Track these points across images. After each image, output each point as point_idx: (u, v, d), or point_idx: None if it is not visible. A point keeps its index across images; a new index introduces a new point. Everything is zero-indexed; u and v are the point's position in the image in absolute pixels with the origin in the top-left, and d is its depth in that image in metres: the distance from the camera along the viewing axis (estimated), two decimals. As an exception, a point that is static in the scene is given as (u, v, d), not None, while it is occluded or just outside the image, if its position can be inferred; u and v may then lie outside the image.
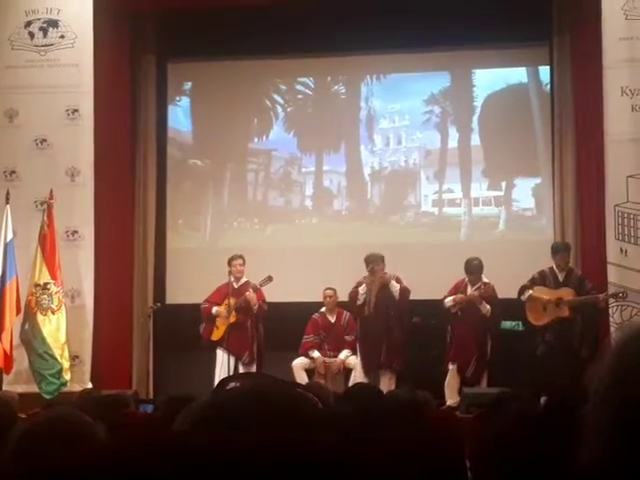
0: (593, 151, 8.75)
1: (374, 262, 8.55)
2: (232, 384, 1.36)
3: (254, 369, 8.71)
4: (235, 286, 8.86)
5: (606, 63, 8.38)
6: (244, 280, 8.89)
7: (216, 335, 8.82)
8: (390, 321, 8.54)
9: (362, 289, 8.61)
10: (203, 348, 8.90)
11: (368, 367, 8.55)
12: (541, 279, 8.31)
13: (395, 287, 8.55)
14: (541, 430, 2.22)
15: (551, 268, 8.34)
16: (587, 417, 1.06)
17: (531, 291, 8.26)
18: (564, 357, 7.89)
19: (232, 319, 8.71)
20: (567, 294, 8.14)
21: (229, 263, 8.88)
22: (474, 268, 8.49)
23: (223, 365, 8.69)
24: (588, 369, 1.11)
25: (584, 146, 9.05)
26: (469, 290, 8.52)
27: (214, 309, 8.82)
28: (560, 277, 8.28)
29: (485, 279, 8.52)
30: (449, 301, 8.50)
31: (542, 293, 8.22)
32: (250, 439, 0.83)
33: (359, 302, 8.62)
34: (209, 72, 10.29)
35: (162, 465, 0.79)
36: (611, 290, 8.17)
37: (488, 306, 8.40)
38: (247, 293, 8.69)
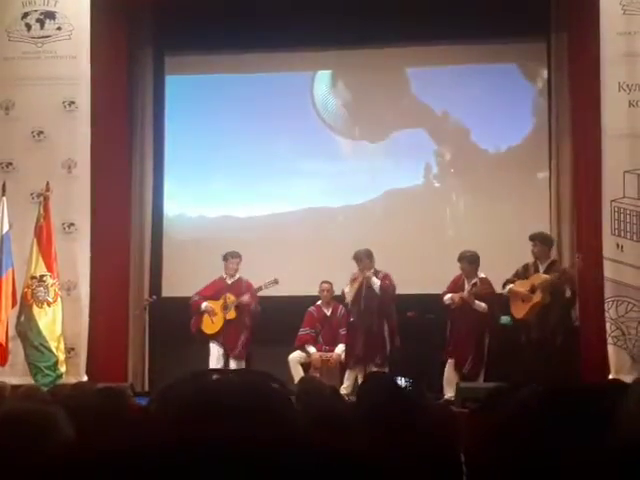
0: (590, 146, 8.74)
1: (358, 259, 8.60)
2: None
3: (244, 363, 8.76)
4: (228, 282, 8.94)
5: (604, 58, 8.36)
6: (237, 276, 8.94)
7: (211, 329, 8.86)
8: (372, 317, 8.54)
9: (347, 289, 8.68)
10: (198, 341, 8.93)
11: (347, 362, 8.63)
12: (524, 272, 8.36)
13: (375, 284, 8.54)
14: (537, 424, 2.22)
15: (534, 260, 8.40)
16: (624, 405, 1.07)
17: (511, 285, 8.30)
18: (544, 348, 7.97)
19: (231, 315, 8.79)
20: (538, 278, 8.18)
21: (225, 259, 8.93)
22: (467, 260, 8.50)
23: (218, 359, 8.76)
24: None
25: (581, 141, 9.05)
26: (466, 285, 8.53)
27: (204, 304, 8.87)
28: (541, 268, 8.32)
29: (481, 274, 8.53)
30: (447, 299, 8.52)
31: (519, 286, 8.26)
32: (232, 435, 0.83)
33: (346, 301, 8.72)
34: (206, 65, 10.27)
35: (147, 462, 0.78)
36: (607, 289, 8.17)
37: (483, 304, 8.40)
38: (244, 299, 8.76)
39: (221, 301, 8.87)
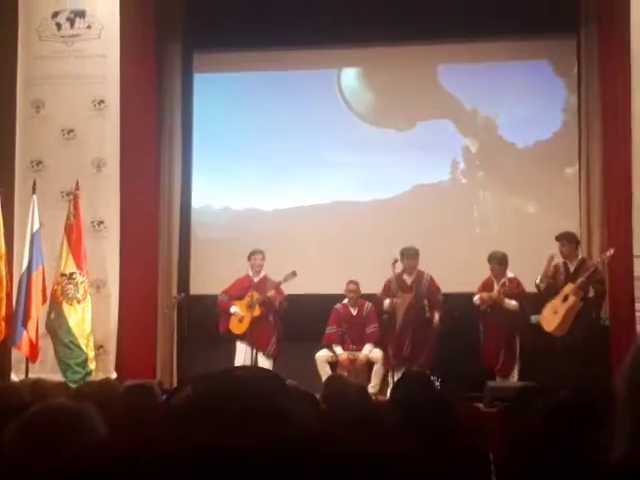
0: (621, 141, 8.65)
1: (404, 257, 8.64)
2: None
3: (268, 362, 8.76)
4: (255, 280, 8.95)
5: (634, 52, 8.28)
6: (263, 274, 8.97)
7: (239, 329, 8.87)
8: (417, 323, 8.59)
9: (386, 304, 8.68)
10: (226, 339, 8.95)
11: (388, 362, 8.62)
12: (555, 273, 8.25)
13: (435, 317, 8.62)
14: (565, 425, 2.21)
15: (564, 261, 8.33)
16: (615, 417, 1.07)
17: (540, 316, 8.25)
18: (576, 348, 7.93)
19: (256, 313, 8.79)
20: (569, 287, 8.11)
21: (249, 258, 8.97)
22: (497, 261, 8.47)
23: (246, 358, 8.75)
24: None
25: (612, 136, 8.95)
26: (495, 286, 8.50)
27: (233, 309, 8.89)
28: (571, 268, 8.26)
29: (510, 274, 8.49)
30: (477, 299, 8.51)
31: (550, 304, 8.18)
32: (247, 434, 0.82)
33: (384, 308, 8.72)
34: (234, 62, 10.29)
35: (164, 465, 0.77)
36: (638, 288, 8.07)
37: (514, 302, 8.38)
38: (269, 294, 8.77)
39: (246, 300, 8.89)
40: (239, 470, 0.76)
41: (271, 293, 8.79)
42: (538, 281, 8.26)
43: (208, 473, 0.76)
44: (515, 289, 8.43)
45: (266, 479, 0.75)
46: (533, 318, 8.48)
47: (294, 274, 8.73)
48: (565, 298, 8.11)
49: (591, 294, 8.12)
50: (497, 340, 8.42)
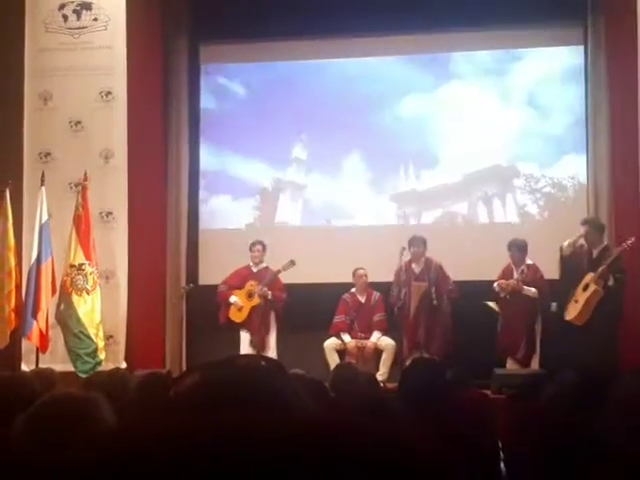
0: (628, 129, 8.65)
1: (413, 245, 8.64)
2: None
3: (271, 351, 8.79)
4: (254, 270, 8.98)
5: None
6: (263, 265, 9.00)
7: (239, 317, 8.91)
8: (429, 310, 8.59)
9: (402, 293, 8.62)
10: (229, 330, 8.98)
11: (402, 350, 8.60)
12: (580, 248, 8.18)
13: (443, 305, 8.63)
14: (575, 411, 2.22)
15: (588, 247, 8.26)
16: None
17: (556, 304, 8.26)
18: (598, 335, 7.91)
19: (255, 302, 8.82)
20: (590, 276, 8.07)
21: (249, 248, 9.01)
22: (517, 248, 8.45)
23: (248, 347, 8.79)
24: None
25: (619, 125, 8.94)
26: (515, 273, 8.49)
27: (232, 298, 8.92)
28: (594, 254, 8.21)
29: (529, 260, 8.48)
30: (496, 286, 8.50)
31: (572, 295, 8.16)
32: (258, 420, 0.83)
33: (398, 304, 8.67)
34: (240, 53, 10.28)
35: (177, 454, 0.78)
36: None
37: (533, 289, 8.37)
38: (258, 291, 8.80)
39: (246, 289, 8.93)
40: (242, 460, 0.77)
41: (263, 290, 8.78)
42: (565, 245, 8.18)
43: (210, 464, 0.77)
44: (534, 276, 8.41)
45: (269, 469, 0.76)
46: (553, 306, 8.47)
47: (292, 263, 8.76)
48: (585, 287, 8.06)
49: (611, 282, 8.04)
50: (518, 327, 8.38)
